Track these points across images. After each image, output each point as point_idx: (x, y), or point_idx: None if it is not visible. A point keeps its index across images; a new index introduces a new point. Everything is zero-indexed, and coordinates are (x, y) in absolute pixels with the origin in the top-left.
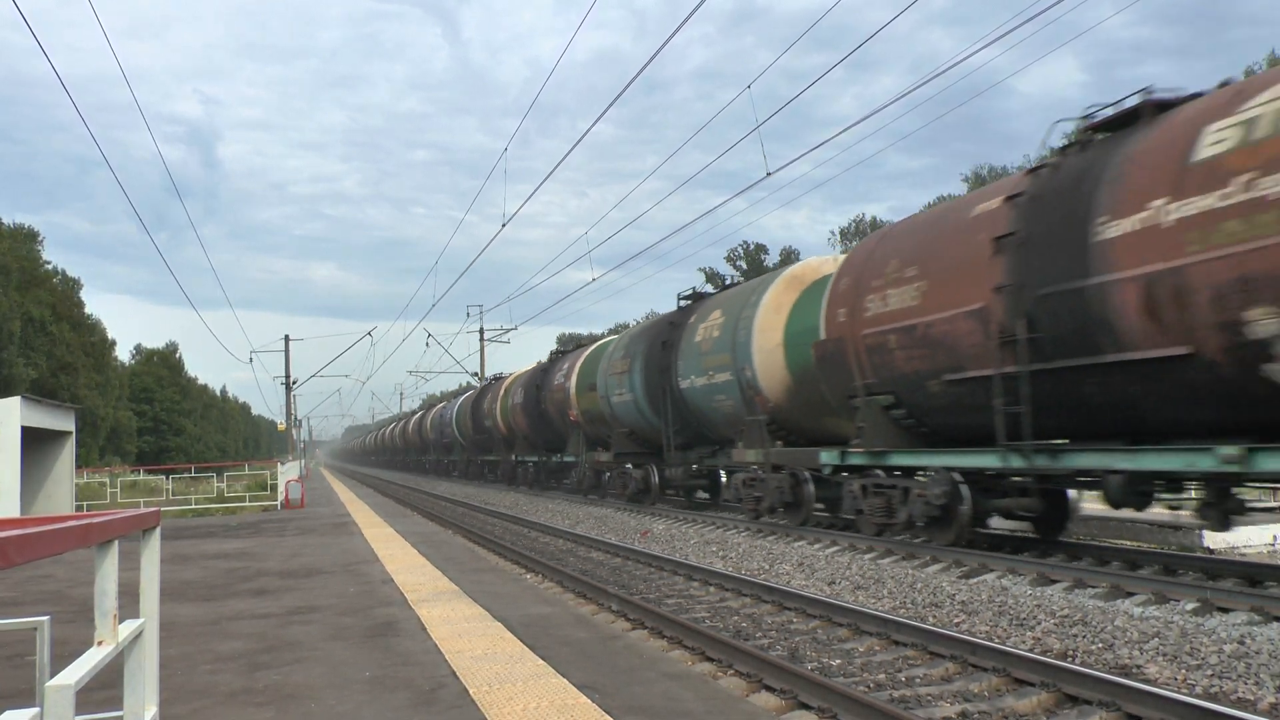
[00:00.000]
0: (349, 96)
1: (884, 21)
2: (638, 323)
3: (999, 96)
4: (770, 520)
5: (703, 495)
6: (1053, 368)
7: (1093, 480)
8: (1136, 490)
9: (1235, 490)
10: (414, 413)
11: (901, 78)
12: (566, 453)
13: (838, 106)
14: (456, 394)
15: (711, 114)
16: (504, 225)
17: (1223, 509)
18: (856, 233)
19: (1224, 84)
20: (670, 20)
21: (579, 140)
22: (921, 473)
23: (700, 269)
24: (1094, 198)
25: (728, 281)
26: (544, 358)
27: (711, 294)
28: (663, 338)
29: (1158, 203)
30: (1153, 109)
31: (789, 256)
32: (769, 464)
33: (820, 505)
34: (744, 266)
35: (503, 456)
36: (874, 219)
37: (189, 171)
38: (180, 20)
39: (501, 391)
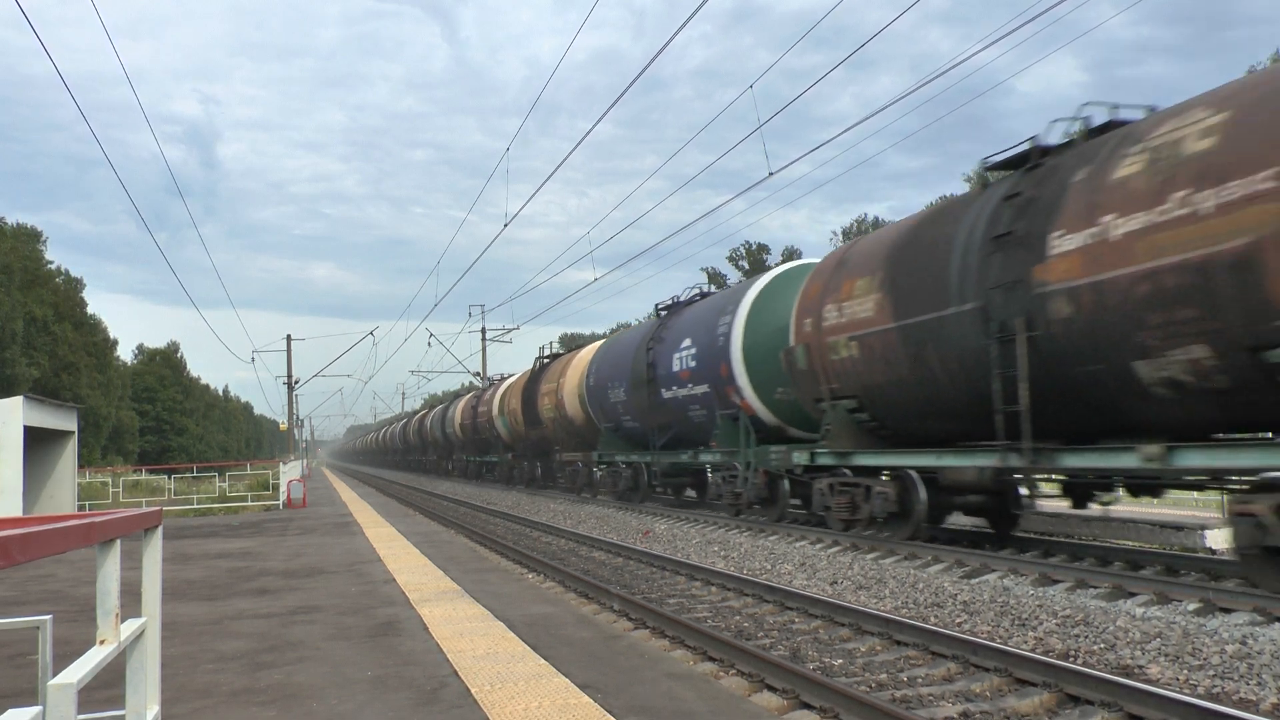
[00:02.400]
0: (347, 96)
1: (882, 20)
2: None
3: (999, 96)
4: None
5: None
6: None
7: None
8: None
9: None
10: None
11: (900, 77)
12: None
13: (836, 106)
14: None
15: (710, 113)
16: (506, 225)
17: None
18: (858, 232)
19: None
20: (669, 20)
21: (581, 140)
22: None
23: (703, 269)
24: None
25: (729, 281)
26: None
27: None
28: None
29: None
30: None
31: (790, 256)
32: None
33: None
34: (746, 266)
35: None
36: (875, 219)
37: (188, 171)
38: (178, 19)
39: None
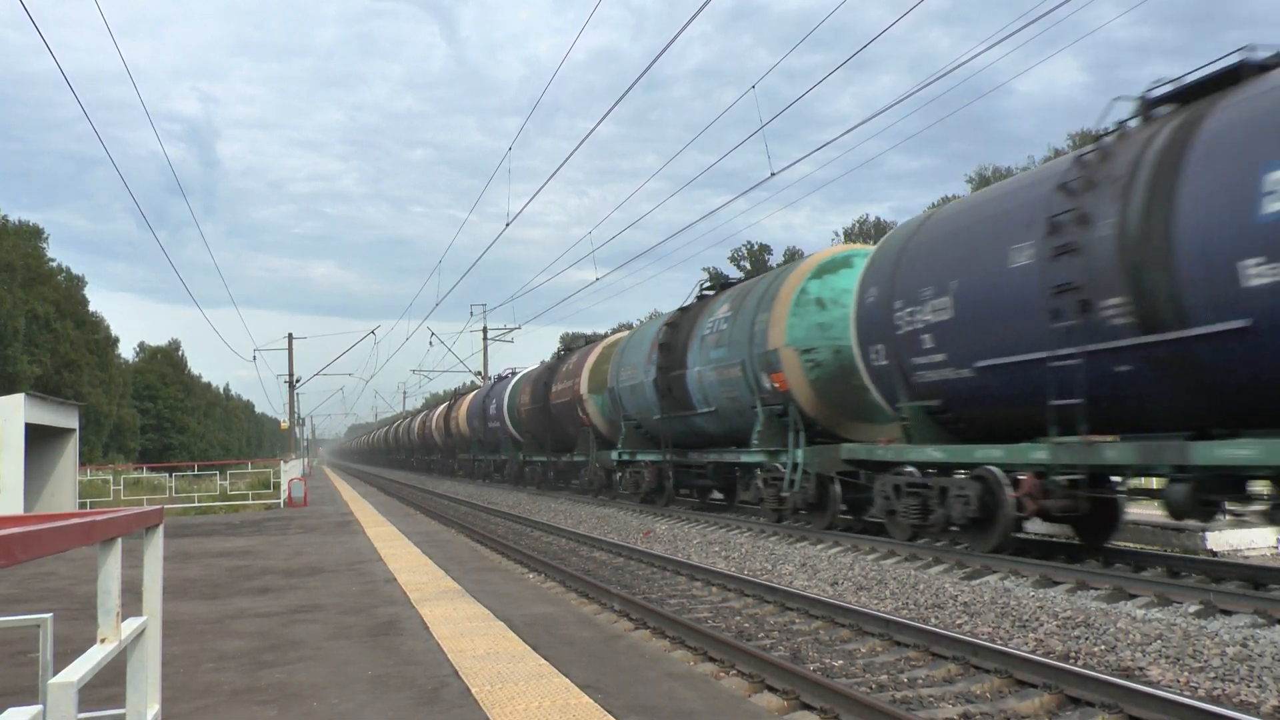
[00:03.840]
0: (346, 95)
1: (880, 19)
2: (642, 322)
3: (999, 96)
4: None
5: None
6: None
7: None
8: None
9: None
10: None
11: (900, 77)
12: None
13: (836, 106)
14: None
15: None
16: (507, 225)
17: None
18: (859, 234)
19: None
20: (668, 19)
21: (581, 141)
22: (960, 470)
23: (704, 269)
24: None
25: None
26: (548, 357)
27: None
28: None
29: None
30: None
31: (792, 257)
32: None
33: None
34: (748, 266)
35: (510, 456)
36: (878, 220)
37: (188, 170)
38: (177, 18)
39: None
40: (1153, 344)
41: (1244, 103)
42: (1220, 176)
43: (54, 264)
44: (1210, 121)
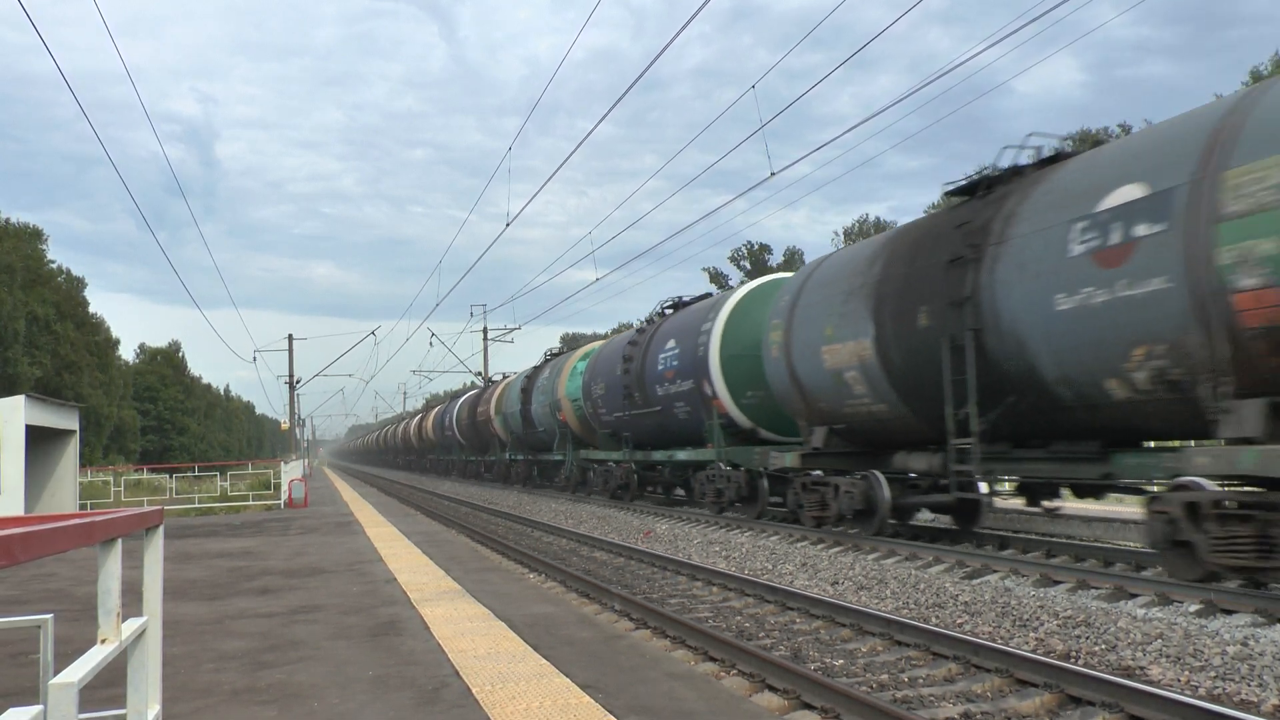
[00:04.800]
0: (345, 95)
1: (878, 18)
2: (640, 322)
3: (998, 96)
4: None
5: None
6: None
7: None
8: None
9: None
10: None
11: (899, 76)
12: (554, 452)
13: (835, 105)
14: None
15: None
16: (508, 225)
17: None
18: (860, 233)
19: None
20: (668, 19)
21: (581, 141)
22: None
23: (704, 269)
24: None
25: (730, 281)
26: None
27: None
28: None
29: None
30: None
31: (793, 256)
32: (727, 463)
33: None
34: (748, 266)
35: (497, 455)
36: (878, 219)
37: (187, 170)
38: (176, 18)
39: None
40: None
41: None
42: None
43: (54, 265)
44: None
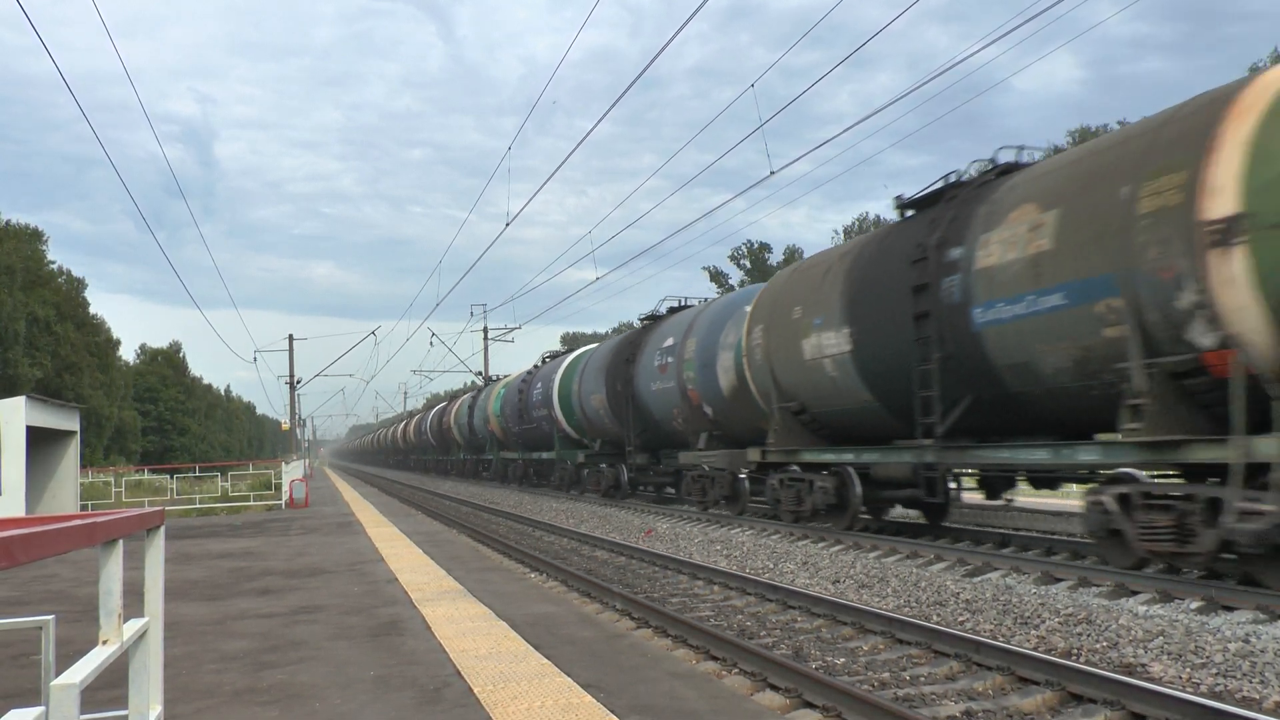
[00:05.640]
0: (343, 95)
1: (876, 16)
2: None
3: (997, 94)
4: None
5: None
6: None
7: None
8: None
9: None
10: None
11: (897, 74)
12: (549, 452)
13: (834, 103)
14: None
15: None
16: (508, 224)
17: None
18: (859, 231)
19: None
20: (666, 18)
21: (581, 141)
22: (824, 469)
23: (704, 268)
24: None
25: (731, 281)
26: (538, 361)
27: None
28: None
29: None
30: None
31: (793, 254)
32: (709, 463)
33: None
34: (748, 265)
35: (494, 455)
36: (877, 217)
37: (186, 170)
38: (173, 19)
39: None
40: None
41: None
42: None
43: (54, 266)
44: None
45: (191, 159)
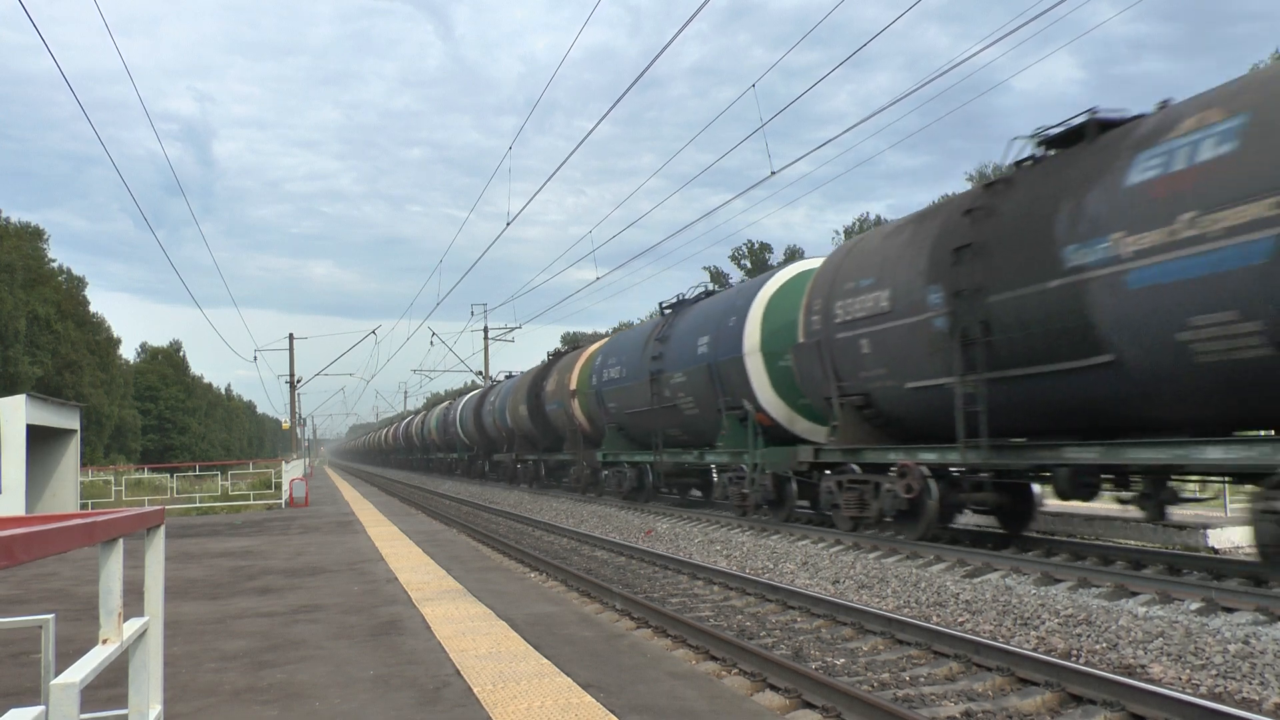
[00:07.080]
0: (342, 94)
1: (876, 16)
2: (641, 321)
3: (997, 94)
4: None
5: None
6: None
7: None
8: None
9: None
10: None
11: (896, 74)
12: (564, 452)
13: (833, 103)
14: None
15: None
16: (508, 224)
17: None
18: (860, 231)
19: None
20: (665, 18)
21: (581, 141)
22: (892, 468)
23: (705, 268)
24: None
25: (732, 280)
26: (545, 358)
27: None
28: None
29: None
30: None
31: (793, 255)
32: (752, 464)
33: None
34: (748, 265)
35: (504, 455)
36: (877, 217)
37: (185, 169)
38: (171, 17)
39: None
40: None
41: None
42: None
43: (54, 265)
44: None
45: (190, 157)
